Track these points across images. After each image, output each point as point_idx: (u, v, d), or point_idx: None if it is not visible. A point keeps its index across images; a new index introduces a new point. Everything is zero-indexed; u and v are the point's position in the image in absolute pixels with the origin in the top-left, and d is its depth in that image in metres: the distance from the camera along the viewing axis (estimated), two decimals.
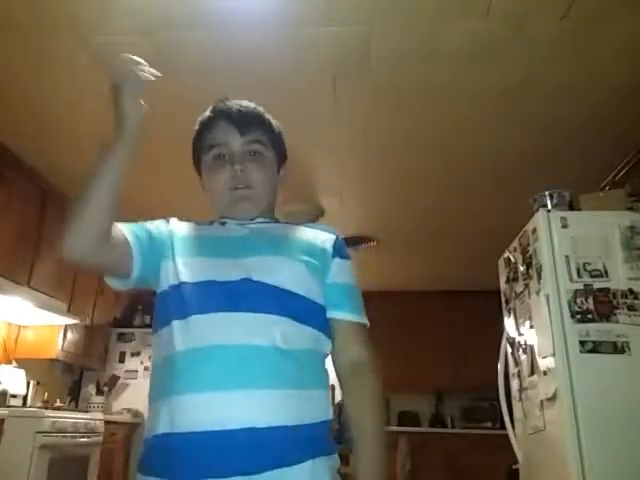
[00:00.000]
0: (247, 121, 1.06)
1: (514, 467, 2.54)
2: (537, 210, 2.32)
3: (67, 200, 3.90)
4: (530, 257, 2.34)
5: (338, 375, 1.02)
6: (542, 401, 2.18)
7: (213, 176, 1.07)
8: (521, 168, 3.41)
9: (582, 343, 2.05)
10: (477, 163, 3.42)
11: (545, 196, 2.36)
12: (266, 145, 1.09)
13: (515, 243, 2.55)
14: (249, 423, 0.83)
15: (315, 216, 4.12)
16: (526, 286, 2.39)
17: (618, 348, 2.04)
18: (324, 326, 1.00)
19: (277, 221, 1.13)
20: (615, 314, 2.08)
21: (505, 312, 2.69)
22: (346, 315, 1.02)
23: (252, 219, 1.08)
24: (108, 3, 2.18)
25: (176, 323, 0.93)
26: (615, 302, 2.10)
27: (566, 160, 3.27)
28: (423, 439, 5.27)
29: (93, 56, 2.46)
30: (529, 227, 2.37)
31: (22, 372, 3.66)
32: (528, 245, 2.37)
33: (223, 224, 1.08)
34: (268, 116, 1.12)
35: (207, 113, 1.10)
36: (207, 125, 1.09)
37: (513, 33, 2.31)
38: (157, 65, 0.95)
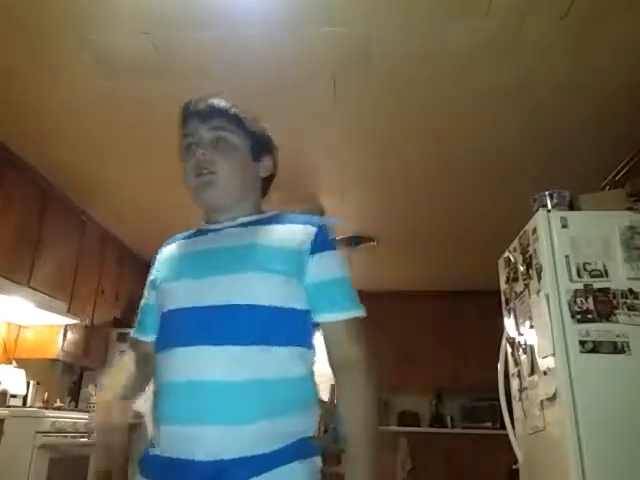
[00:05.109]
0: (209, 110, 1.07)
1: (514, 467, 2.54)
2: (537, 210, 2.32)
3: (67, 200, 3.91)
4: (530, 257, 2.34)
5: (332, 373, 1.01)
6: (542, 401, 2.18)
7: (184, 165, 1.08)
8: (521, 168, 3.41)
9: (582, 343, 2.05)
10: (477, 163, 3.42)
11: (545, 196, 2.36)
12: (233, 132, 1.07)
13: (515, 243, 2.55)
14: (217, 455, 0.87)
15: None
16: (526, 286, 2.39)
17: (618, 348, 2.04)
18: (308, 334, 1.00)
19: (262, 213, 1.12)
20: (615, 314, 2.08)
21: (505, 312, 2.69)
22: (329, 316, 0.99)
23: (234, 219, 1.07)
24: (108, 3, 2.18)
25: (162, 354, 0.99)
26: (615, 302, 2.10)
27: (566, 160, 3.27)
28: (423, 439, 5.27)
29: (93, 56, 2.46)
30: (529, 227, 2.37)
31: (22, 372, 3.66)
32: (528, 245, 2.37)
33: (205, 233, 1.09)
34: (236, 109, 1.10)
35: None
36: (180, 122, 1.11)
37: (513, 33, 2.31)
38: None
